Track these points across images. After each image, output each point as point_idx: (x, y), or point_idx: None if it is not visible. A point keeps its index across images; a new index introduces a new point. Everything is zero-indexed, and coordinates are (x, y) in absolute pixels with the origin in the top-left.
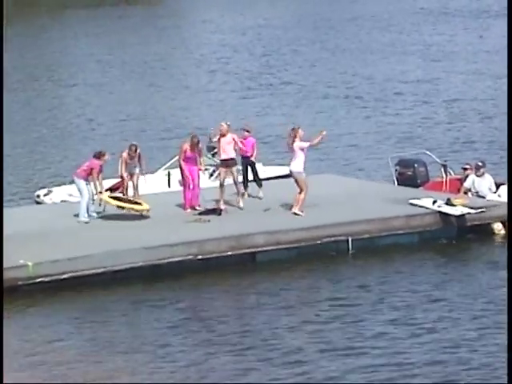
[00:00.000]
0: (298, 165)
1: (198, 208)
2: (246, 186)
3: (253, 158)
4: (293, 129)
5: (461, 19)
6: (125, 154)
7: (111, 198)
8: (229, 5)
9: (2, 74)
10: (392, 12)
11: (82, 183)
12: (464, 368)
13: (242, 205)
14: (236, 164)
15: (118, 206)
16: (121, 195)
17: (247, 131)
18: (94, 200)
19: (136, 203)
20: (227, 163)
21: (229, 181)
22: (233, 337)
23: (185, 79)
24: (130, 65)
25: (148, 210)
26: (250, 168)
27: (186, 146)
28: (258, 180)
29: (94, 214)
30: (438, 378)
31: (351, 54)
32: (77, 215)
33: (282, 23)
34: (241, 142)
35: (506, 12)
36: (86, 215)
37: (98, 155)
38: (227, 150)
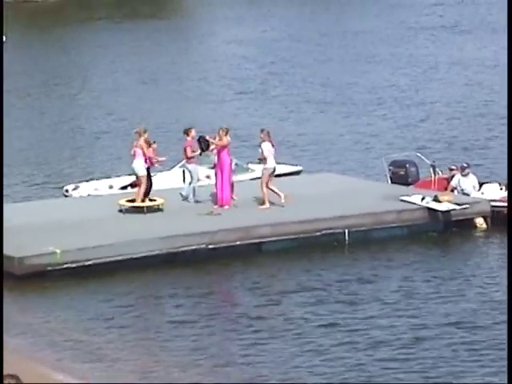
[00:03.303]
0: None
1: (226, 208)
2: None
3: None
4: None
5: (445, 34)
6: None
7: (128, 201)
8: (236, 19)
9: (1, 74)
10: (389, 27)
11: (190, 167)
12: (456, 355)
13: (235, 197)
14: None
15: (136, 207)
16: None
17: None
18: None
19: (150, 200)
20: None
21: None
22: (242, 319)
23: (197, 86)
24: (145, 72)
25: (163, 204)
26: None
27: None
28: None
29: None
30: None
31: (345, 64)
32: (102, 207)
33: (287, 36)
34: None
35: (481, 27)
36: (192, 197)
37: (186, 132)
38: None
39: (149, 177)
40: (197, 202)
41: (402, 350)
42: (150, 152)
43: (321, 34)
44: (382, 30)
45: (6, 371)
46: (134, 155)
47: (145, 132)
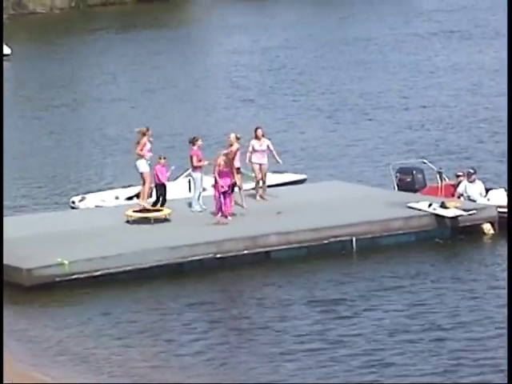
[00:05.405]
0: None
1: (229, 218)
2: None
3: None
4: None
5: (446, 40)
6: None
7: (135, 212)
8: (238, 28)
9: (1, 77)
10: (390, 34)
11: (195, 175)
12: (464, 359)
13: (245, 205)
14: (240, 172)
15: (143, 218)
16: (144, 205)
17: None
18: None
19: (157, 211)
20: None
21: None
22: (249, 329)
23: (199, 94)
24: (148, 82)
25: (170, 214)
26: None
27: (221, 161)
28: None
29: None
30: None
31: (346, 71)
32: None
33: (291, 44)
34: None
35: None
36: (198, 206)
37: (192, 141)
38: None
39: (164, 190)
40: (201, 211)
41: (410, 355)
42: (159, 168)
43: (323, 41)
44: (383, 36)
45: (10, 380)
46: (140, 155)
47: (147, 131)
